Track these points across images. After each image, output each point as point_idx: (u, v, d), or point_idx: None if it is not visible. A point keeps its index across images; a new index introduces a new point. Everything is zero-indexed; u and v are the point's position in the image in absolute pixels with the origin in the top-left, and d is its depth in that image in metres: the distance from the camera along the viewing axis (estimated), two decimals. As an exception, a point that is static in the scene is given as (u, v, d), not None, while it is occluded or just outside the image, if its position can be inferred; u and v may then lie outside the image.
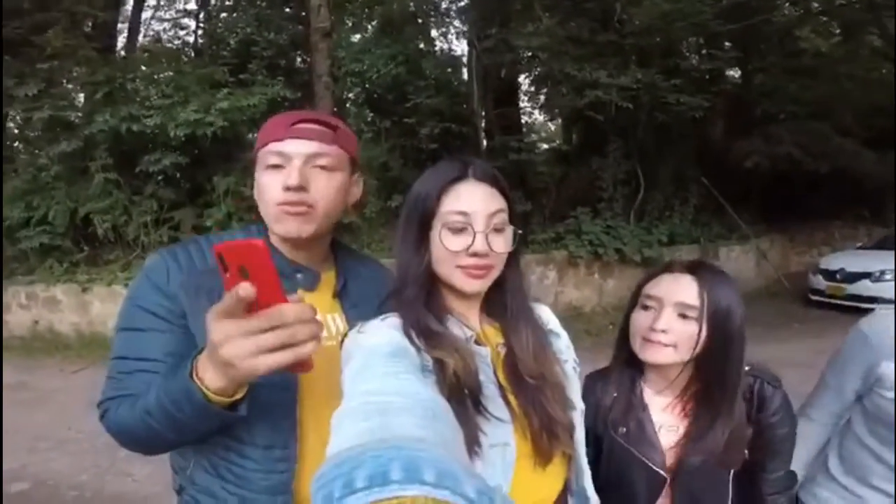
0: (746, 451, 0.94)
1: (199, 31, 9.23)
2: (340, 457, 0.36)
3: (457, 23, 8.31)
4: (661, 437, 0.94)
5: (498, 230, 0.73)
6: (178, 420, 0.68)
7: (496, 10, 7.27)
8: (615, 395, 0.97)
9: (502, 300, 0.80)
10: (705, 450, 0.90)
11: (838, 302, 6.34)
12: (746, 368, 0.94)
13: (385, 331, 0.70)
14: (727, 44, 7.92)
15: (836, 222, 9.19)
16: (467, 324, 0.76)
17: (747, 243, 7.95)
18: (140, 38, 9.12)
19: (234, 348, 0.56)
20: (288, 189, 0.82)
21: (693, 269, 0.92)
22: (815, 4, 7.94)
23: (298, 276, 0.88)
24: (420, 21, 7.93)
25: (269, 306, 0.55)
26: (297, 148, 0.83)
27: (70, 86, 7.32)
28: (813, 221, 8.60)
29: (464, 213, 0.72)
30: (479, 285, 0.74)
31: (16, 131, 8.06)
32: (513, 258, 0.78)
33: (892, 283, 5.84)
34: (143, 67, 7.15)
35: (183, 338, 0.79)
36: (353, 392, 0.55)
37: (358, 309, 0.84)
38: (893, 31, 6.96)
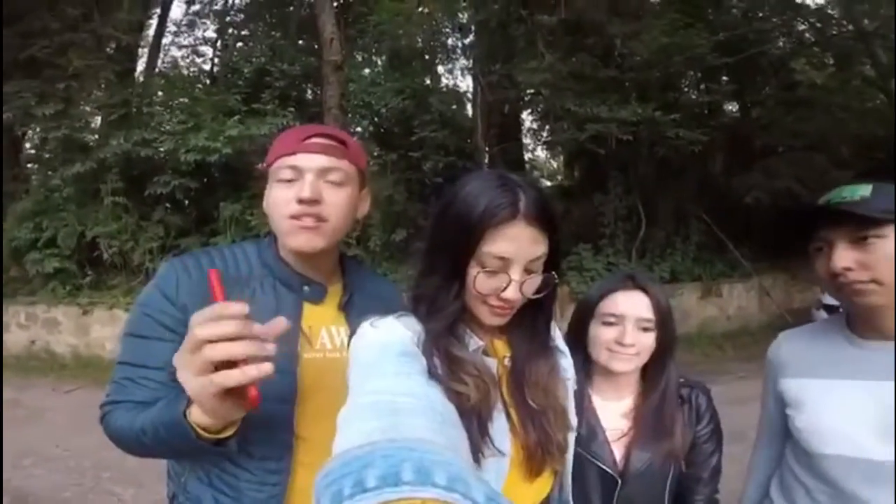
0: (683, 464, 1.01)
1: (216, 60, 9.56)
2: (350, 455, 0.36)
3: (462, 59, 8.60)
4: (611, 440, 1.01)
5: (532, 274, 0.71)
6: (169, 445, 0.72)
7: (500, 46, 7.49)
8: None
9: (521, 323, 0.78)
10: (651, 448, 0.99)
11: (843, 338, 6.24)
12: (681, 380, 1.06)
13: (399, 329, 0.69)
14: (724, 77, 8.08)
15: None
16: (477, 334, 0.76)
17: (749, 280, 7.90)
18: (159, 62, 9.43)
19: (182, 374, 0.60)
20: (301, 202, 0.83)
21: (640, 284, 1.04)
22: (808, 36, 8.08)
23: (305, 288, 0.89)
24: (427, 57, 8.21)
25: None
26: (310, 162, 0.85)
27: (88, 108, 7.53)
28: (813, 257, 8.55)
29: (503, 259, 0.68)
30: (502, 321, 0.74)
31: (32, 151, 8.24)
32: (548, 296, 0.75)
33: None
34: (160, 93, 7.37)
35: None
36: (362, 389, 0.55)
37: (363, 321, 0.87)
38: (886, 60, 7.07)
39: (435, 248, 0.72)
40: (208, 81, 8.72)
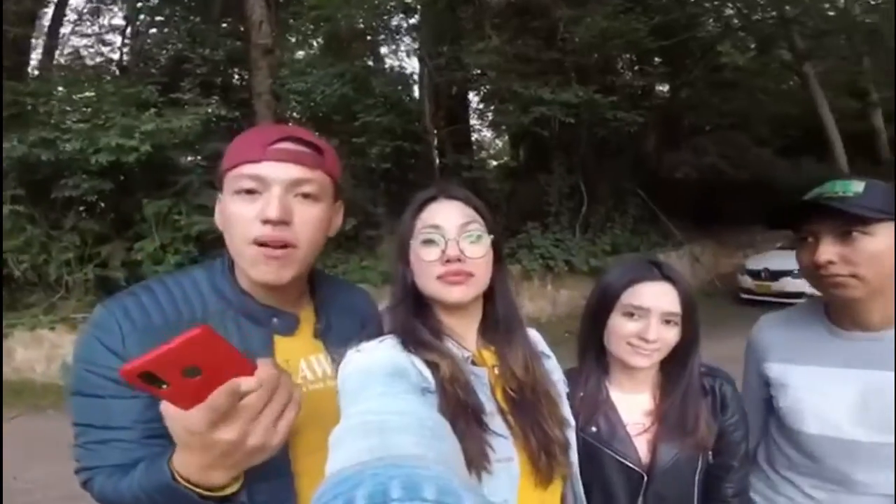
0: (710, 455, 0.97)
1: (126, 48, 8.57)
2: (340, 475, 0.36)
3: (407, 39, 8.26)
4: (633, 435, 0.96)
5: (472, 240, 0.75)
6: None
7: (447, 27, 7.33)
8: (581, 395, 0.98)
9: (496, 321, 0.81)
10: (677, 444, 0.94)
11: (766, 298, 6.80)
12: (702, 369, 1.00)
13: (383, 351, 0.70)
14: (657, 60, 8.44)
15: (756, 226, 10.09)
16: (464, 345, 0.78)
17: (681, 249, 8.54)
18: (57, 55, 8.28)
19: (255, 438, 0.57)
20: (267, 222, 0.70)
21: (667, 275, 0.96)
22: (735, 20, 8.56)
23: (275, 320, 0.79)
24: (369, 38, 7.80)
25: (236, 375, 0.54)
26: (278, 172, 0.72)
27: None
28: (737, 226, 9.38)
29: (435, 227, 0.75)
30: (461, 293, 0.74)
31: None
32: (500, 275, 0.81)
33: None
34: (60, 88, 6.48)
35: (148, 401, 0.70)
36: (351, 411, 0.56)
37: (343, 345, 0.78)
38: (802, 45, 7.68)
39: (392, 258, 0.83)
40: (118, 72, 7.80)
